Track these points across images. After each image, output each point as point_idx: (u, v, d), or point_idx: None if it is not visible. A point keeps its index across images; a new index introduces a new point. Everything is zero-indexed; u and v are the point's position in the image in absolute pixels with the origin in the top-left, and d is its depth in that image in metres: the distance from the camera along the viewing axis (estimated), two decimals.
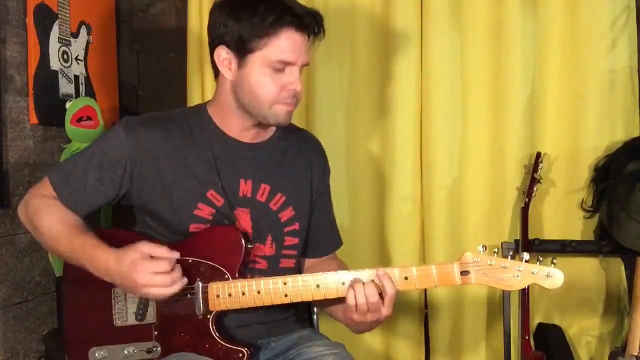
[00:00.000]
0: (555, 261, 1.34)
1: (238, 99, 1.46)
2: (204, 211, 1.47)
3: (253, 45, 1.39)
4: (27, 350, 2.02)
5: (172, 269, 1.33)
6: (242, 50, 1.41)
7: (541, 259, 1.35)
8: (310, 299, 1.40)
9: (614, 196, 2.06)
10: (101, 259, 1.36)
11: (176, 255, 1.34)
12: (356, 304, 1.34)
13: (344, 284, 1.38)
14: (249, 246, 1.46)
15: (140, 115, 1.56)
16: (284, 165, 1.57)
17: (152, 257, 1.32)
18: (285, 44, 1.39)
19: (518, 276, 1.34)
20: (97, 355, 1.46)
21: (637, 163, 2.06)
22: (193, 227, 1.47)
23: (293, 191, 1.56)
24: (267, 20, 1.37)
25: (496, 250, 1.38)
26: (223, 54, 1.45)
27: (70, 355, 1.50)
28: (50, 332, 2.13)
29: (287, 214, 1.55)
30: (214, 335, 1.40)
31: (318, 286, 1.38)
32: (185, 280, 1.35)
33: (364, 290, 1.34)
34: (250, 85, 1.42)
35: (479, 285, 1.36)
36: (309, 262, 1.67)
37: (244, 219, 1.50)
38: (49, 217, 1.45)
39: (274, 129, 1.58)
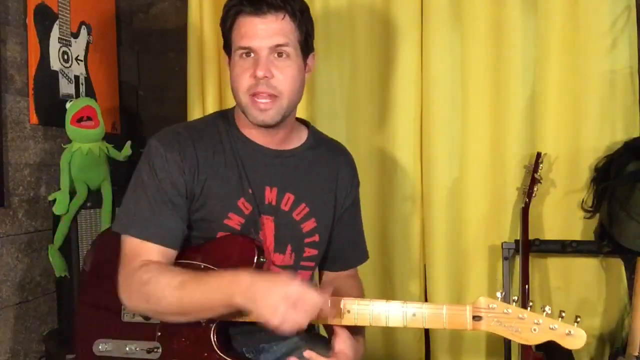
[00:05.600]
0: (579, 319, 1.26)
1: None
2: (234, 220, 1.45)
3: (228, 45, 1.44)
4: (27, 350, 2.02)
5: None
6: (227, 54, 1.47)
7: (563, 314, 1.26)
8: None
9: (614, 196, 2.06)
10: (241, 282, 1.27)
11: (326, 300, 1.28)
12: None
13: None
14: (261, 260, 1.41)
15: (166, 129, 1.48)
16: (310, 176, 1.54)
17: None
18: (241, 31, 1.40)
19: (535, 329, 1.26)
20: (100, 347, 1.47)
21: (637, 163, 2.06)
22: (220, 235, 1.45)
23: (317, 202, 1.54)
24: (228, 17, 1.42)
25: (515, 298, 1.30)
26: (227, 59, 1.49)
27: (76, 344, 1.51)
28: (50, 332, 2.13)
29: (309, 224, 1.53)
30: (214, 345, 1.38)
31: None
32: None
33: None
34: (231, 81, 1.45)
35: (490, 332, 1.29)
36: (327, 275, 1.66)
37: (268, 227, 1.48)
38: (162, 292, 1.32)
39: (302, 137, 1.56)
